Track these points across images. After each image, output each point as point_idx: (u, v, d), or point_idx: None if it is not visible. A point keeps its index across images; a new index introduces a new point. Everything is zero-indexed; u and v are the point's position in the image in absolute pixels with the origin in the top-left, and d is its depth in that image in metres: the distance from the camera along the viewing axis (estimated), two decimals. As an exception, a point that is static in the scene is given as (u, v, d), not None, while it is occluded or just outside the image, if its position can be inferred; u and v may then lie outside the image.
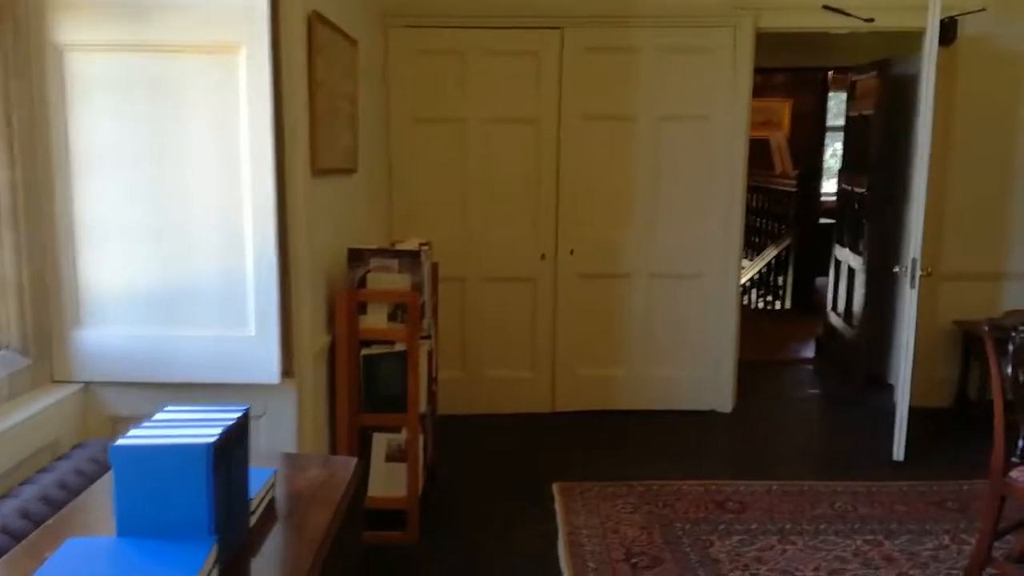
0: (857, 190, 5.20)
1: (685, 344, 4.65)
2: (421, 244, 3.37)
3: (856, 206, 5.17)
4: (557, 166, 4.47)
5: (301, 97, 2.63)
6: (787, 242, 8.12)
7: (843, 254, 5.55)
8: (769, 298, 8.32)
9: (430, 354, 3.26)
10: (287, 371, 2.60)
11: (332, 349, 3.02)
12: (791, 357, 6.06)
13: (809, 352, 6.12)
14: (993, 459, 2.79)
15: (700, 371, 4.67)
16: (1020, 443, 2.82)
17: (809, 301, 7.85)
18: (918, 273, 3.85)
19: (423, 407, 3.18)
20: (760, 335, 6.34)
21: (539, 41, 4.38)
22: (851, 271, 5.33)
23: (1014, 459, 2.80)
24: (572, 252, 4.55)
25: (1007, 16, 4.44)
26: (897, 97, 4.93)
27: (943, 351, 4.65)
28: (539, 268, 4.56)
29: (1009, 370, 2.82)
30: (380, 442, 3.12)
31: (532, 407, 4.65)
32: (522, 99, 4.42)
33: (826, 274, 8.90)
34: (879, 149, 4.89)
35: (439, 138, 4.42)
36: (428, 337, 3.26)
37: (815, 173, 8.49)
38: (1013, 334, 2.87)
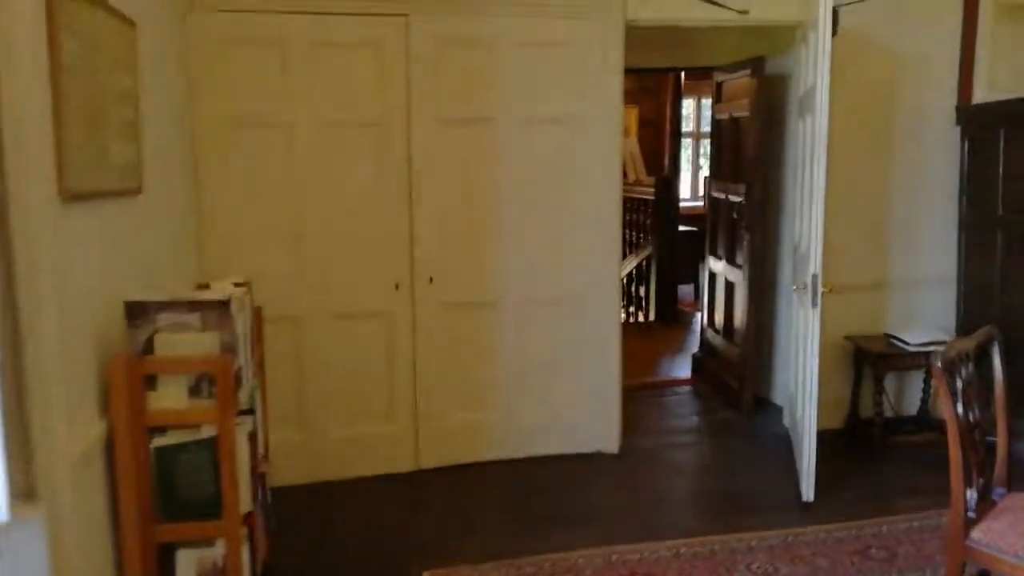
0: (733, 198, 4.83)
1: (564, 378, 4.07)
2: (236, 284, 2.56)
3: (734, 215, 4.80)
4: (409, 177, 3.76)
5: (36, 88, 1.79)
6: (647, 252, 7.81)
7: (718, 266, 5.19)
8: (632, 309, 7.99)
9: (252, 435, 2.45)
10: (27, 494, 1.76)
11: (110, 442, 2.16)
12: (667, 378, 5.65)
13: (684, 371, 5.74)
14: (950, 519, 2.37)
15: (582, 408, 4.10)
16: (972, 495, 2.42)
17: (673, 312, 7.57)
18: (820, 290, 3.46)
19: (246, 505, 2.37)
20: (629, 353, 5.87)
21: (381, 30, 3.66)
22: (729, 285, 4.97)
23: (971, 514, 2.39)
24: (431, 280, 3.85)
25: (890, 9, 4.21)
26: (773, 98, 4.61)
27: (834, 369, 4.33)
28: (393, 300, 3.83)
29: (960, 409, 2.41)
30: (187, 561, 2.29)
31: (392, 466, 3.90)
32: (363, 99, 3.68)
33: (689, 283, 8.83)
34: (756, 154, 4.54)
35: (260, 147, 3.59)
36: (250, 412, 2.46)
37: (671, 180, 8.25)
38: (961, 368, 2.47)
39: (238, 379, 2.28)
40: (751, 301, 4.65)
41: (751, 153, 4.54)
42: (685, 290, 8.37)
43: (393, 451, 3.90)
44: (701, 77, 10.36)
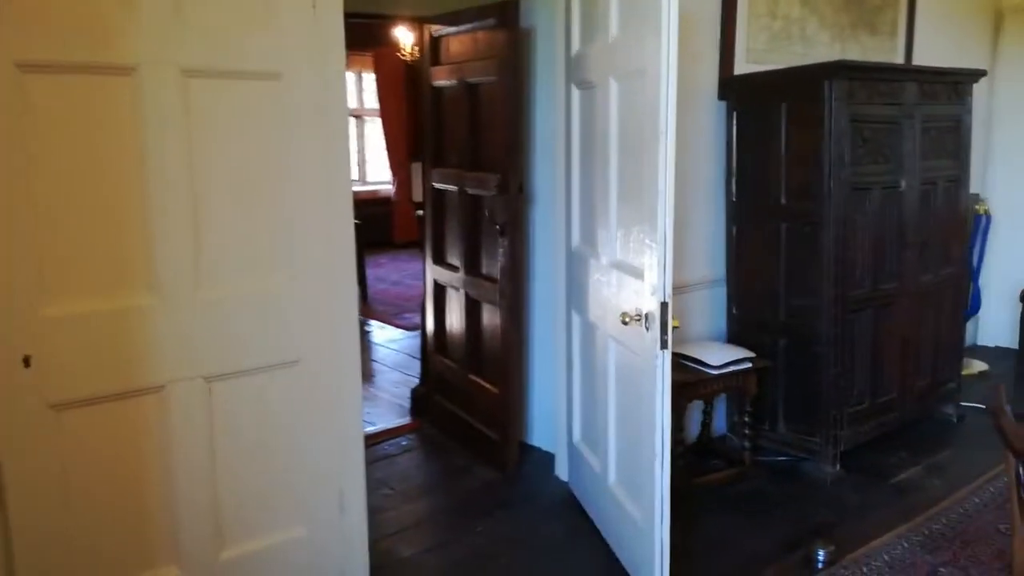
0: (473, 191, 3.66)
1: (284, 488, 2.54)
2: None
3: (485, 212, 3.62)
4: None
5: None
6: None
7: (450, 277, 3.99)
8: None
9: None
10: None
11: None
12: (382, 427, 4.31)
13: (401, 414, 4.46)
14: None
15: (316, 526, 2.62)
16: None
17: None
18: (670, 325, 2.45)
19: None
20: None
21: None
22: (472, 303, 3.80)
23: None
24: (28, 361, 2.05)
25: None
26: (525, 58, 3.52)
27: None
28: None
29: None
30: None
31: None
32: None
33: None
34: (511, 134, 3.41)
35: None
36: None
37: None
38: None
39: None
40: (510, 323, 3.54)
41: (503, 132, 3.40)
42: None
43: None
44: (365, 47, 9.04)
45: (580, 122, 3.11)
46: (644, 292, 2.50)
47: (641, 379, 2.58)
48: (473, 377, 3.83)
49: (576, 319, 3.28)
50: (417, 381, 4.62)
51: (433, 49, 3.92)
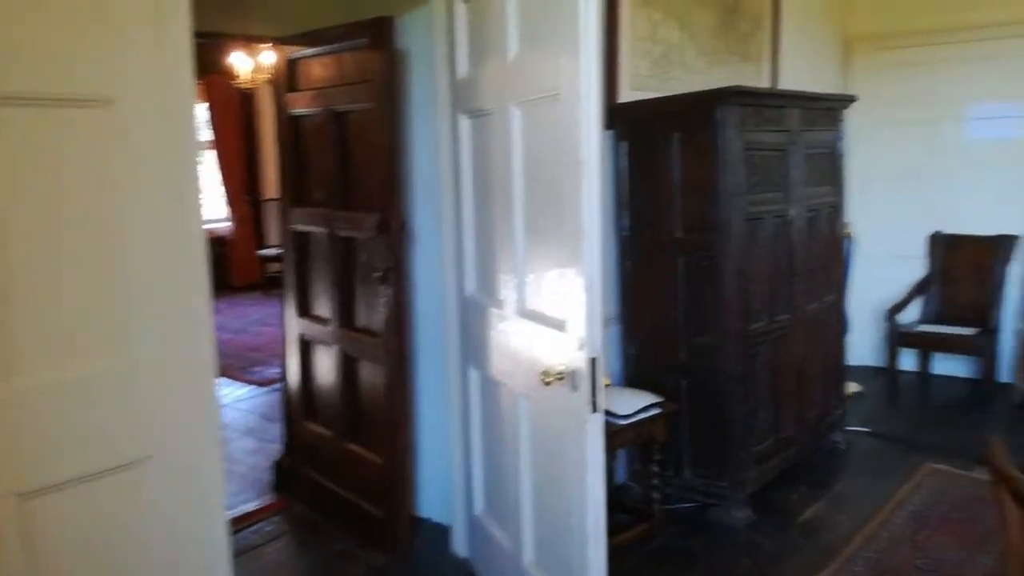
0: (344, 233, 3.20)
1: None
2: None
3: (351, 257, 3.17)
4: None
5: None
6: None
7: (315, 331, 3.49)
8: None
9: None
10: None
11: None
12: (241, 510, 3.70)
13: (262, 492, 3.87)
14: None
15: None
16: None
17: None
18: (601, 382, 2.13)
19: None
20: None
21: None
22: (347, 360, 3.32)
23: None
24: None
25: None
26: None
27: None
28: None
29: None
30: None
31: None
32: None
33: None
34: (393, 169, 3.00)
35: None
36: None
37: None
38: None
39: None
40: (394, 381, 3.10)
41: (381, 166, 2.97)
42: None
43: None
44: (197, 75, 8.22)
45: (472, 154, 2.76)
46: (568, 346, 2.16)
47: (566, 445, 2.24)
48: (351, 446, 3.34)
49: (475, 375, 2.89)
50: (277, 449, 4.05)
51: (290, 74, 3.44)
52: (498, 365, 2.65)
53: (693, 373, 3.46)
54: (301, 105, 3.40)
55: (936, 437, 4.39)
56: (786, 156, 3.55)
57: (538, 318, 2.35)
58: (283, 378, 3.81)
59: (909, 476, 3.83)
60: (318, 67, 3.28)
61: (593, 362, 2.09)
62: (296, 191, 3.52)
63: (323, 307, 3.44)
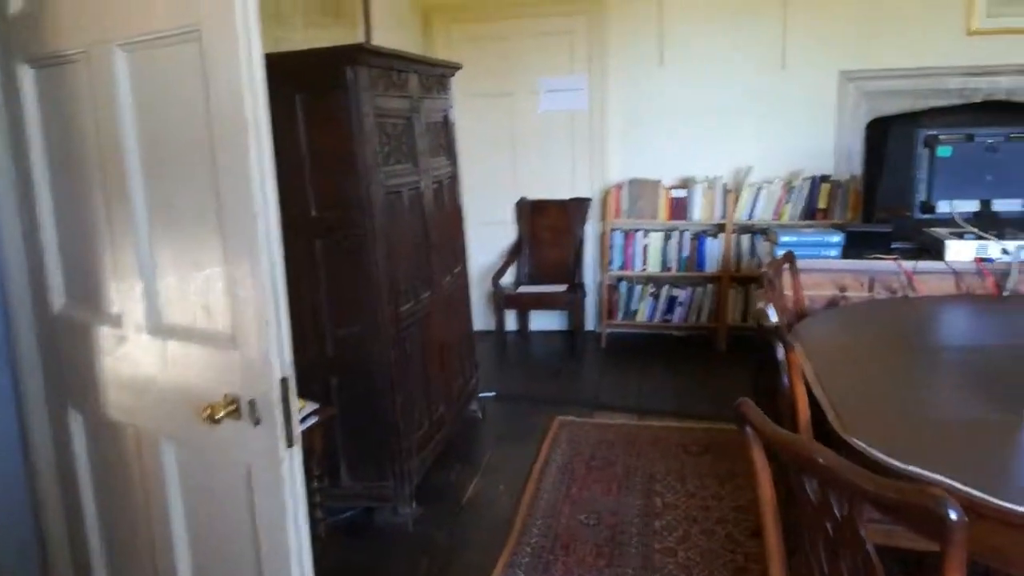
0: None
1: None
2: None
3: None
4: None
5: None
6: None
7: None
8: None
9: None
10: None
11: None
12: None
13: None
14: None
15: None
16: None
17: None
18: (295, 407, 1.64)
19: None
20: None
21: None
22: None
23: None
24: None
25: None
26: None
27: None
28: None
29: None
30: None
31: None
32: None
33: None
34: None
35: None
36: None
37: None
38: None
39: None
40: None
41: None
42: None
43: None
44: None
45: (43, 120, 1.97)
46: (241, 367, 1.64)
47: (256, 495, 1.72)
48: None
49: (77, 420, 2.13)
50: None
51: None
52: (120, 402, 1.97)
53: (342, 368, 3.08)
54: None
55: (552, 388, 4.68)
56: (411, 125, 3.33)
57: (186, 334, 1.76)
58: None
59: (544, 432, 3.99)
60: None
61: (284, 383, 1.61)
62: None
63: None
